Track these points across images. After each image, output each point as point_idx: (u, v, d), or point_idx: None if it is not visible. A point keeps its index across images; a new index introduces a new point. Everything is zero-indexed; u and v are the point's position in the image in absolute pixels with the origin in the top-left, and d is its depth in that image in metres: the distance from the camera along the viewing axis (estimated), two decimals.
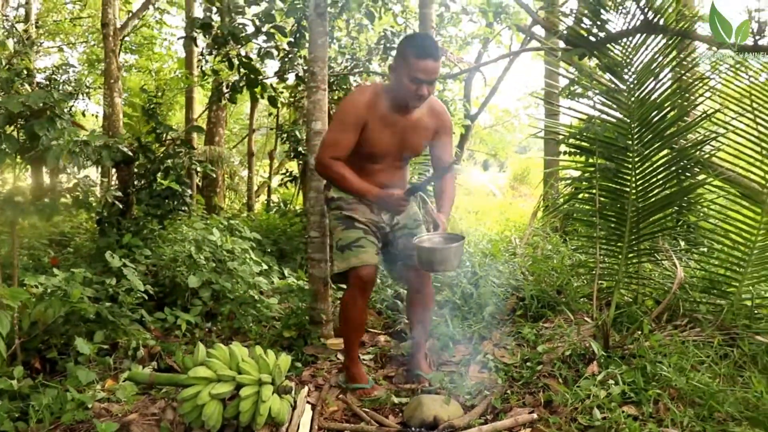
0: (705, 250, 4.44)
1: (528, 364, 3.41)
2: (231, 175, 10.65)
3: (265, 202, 10.63)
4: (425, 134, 3.42)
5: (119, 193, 4.23)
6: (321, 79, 3.90)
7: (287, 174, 7.54)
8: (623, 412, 2.65)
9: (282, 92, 5.97)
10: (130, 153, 4.29)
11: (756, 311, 3.53)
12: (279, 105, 5.69)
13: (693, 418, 2.56)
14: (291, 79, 6.34)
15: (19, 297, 2.97)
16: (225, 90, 4.96)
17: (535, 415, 2.87)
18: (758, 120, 3.61)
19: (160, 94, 5.16)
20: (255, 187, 10.36)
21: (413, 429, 2.85)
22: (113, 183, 4.96)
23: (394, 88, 3.26)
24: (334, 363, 3.89)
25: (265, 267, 4.98)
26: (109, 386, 3.22)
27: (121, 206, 4.73)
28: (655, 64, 3.81)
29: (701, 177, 4.01)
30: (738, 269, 3.74)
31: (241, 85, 4.90)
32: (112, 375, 3.39)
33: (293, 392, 3.05)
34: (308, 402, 3.19)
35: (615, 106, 4.02)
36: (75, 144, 3.23)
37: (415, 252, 3.15)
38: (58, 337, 3.53)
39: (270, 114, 10.61)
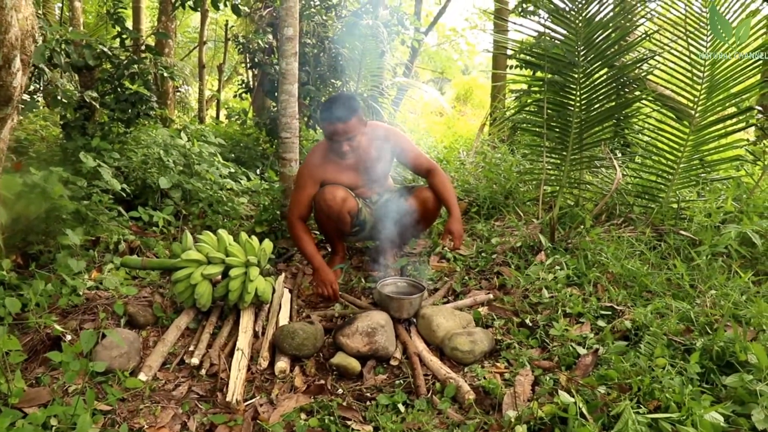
0: (639, 161, 4.85)
1: (483, 254, 3.78)
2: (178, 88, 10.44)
3: (214, 115, 10.54)
4: (381, 157, 3.64)
5: (95, 94, 4.24)
6: None
7: (242, 84, 7.46)
8: (568, 291, 3.05)
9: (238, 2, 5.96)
10: (94, 57, 4.29)
11: (681, 212, 3.98)
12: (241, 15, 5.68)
13: (626, 295, 2.97)
14: None
15: (14, 188, 3.09)
16: None
17: (491, 296, 3.25)
18: (690, 46, 3.96)
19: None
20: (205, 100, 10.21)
21: (379, 306, 3.15)
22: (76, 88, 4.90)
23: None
24: None
25: (232, 170, 5.10)
26: (96, 276, 3.39)
27: (86, 110, 4.74)
28: None
29: (638, 93, 4.38)
30: (667, 177, 4.17)
31: None
32: (96, 267, 3.53)
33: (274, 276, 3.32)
34: (285, 287, 3.45)
35: (563, 25, 4.30)
36: (57, 43, 3.28)
37: (375, 285, 3.31)
38: (38, 234, 3.59)
39: (219, 26, 10.40)
